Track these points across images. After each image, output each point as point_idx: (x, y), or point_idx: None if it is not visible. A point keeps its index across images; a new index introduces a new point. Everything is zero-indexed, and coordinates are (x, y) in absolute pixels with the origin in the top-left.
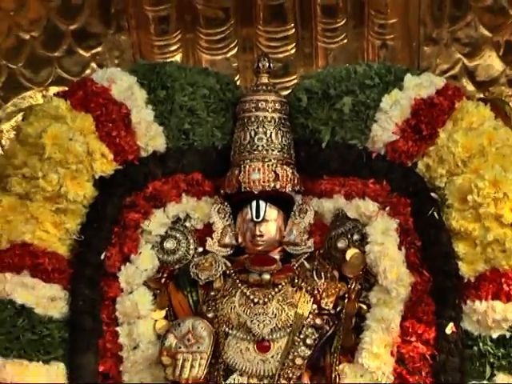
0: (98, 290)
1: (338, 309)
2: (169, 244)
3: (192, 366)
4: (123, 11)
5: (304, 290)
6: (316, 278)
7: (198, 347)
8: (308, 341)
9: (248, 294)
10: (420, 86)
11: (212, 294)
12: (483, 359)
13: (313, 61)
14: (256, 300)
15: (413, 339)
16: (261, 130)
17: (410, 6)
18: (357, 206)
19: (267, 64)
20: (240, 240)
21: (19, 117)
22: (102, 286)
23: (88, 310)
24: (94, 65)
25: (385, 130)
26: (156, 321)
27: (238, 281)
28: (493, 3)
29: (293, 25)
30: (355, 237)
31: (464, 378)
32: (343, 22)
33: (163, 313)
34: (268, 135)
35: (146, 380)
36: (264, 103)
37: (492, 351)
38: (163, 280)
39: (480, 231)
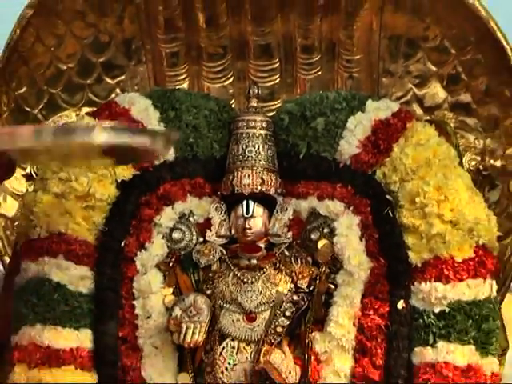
0: (118, 270)
1: (311, 288)
2: (176, 235)
3: (193, 333)
4: (142, 47)
5: (284, 272)
6: (294, 263)
7: (199, 317)
8: (287, 313)
9: (239, 275)
10: (379, 109)
11: (210, 275)
12: (427, 329)
13: (293, 89)
14: (245, 280)
15: (371, 313)
16: (250, 144)
17: (371, 45)
18: (327, 206)
19: (256, 91)
20: (233, 232)
21: None
22: (122, 268)
23: (110, 287)
24: (118, 90)
25: (350, 144)
26: (165, 296)
27: (231, 264)
28: (438, 44)
29: (277, 60)
30: (325, 230)
31: (411, 344)
32: (318, 57)
33: (171, 290)
34: (256, 148)
35: (157, 343)
36: (253, 122)
37: (434, 323)
38: (171, 263)
39: (425, 226)
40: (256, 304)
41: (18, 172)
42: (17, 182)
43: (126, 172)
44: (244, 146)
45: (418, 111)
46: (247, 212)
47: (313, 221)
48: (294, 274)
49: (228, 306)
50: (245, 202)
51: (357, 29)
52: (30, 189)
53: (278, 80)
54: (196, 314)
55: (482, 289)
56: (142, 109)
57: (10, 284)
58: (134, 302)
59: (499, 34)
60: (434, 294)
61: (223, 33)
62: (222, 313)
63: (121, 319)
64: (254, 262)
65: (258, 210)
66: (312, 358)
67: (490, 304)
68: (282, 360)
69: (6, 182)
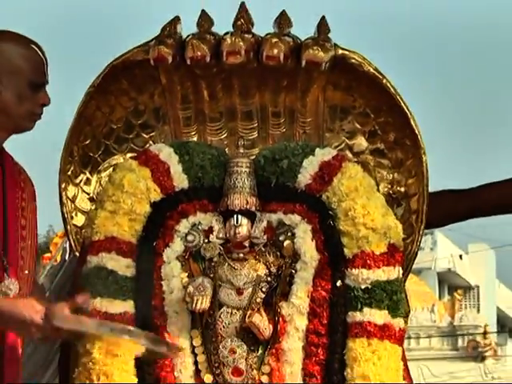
0: (151, 262)
1: (280, 272)
2: (189, 237)
3: (201, 303)
4: (166, 114)
5: (261, 262)
6: (268, 256)
7: (205, 292)
8: (263, 289)
9: (231, 264)
10: (323, 154)
11: (212, 264)
12: (356, 300)
13: (267, 141)
14: (236, 267)
15: (319, 289)
16: (239, 177)
17: (318, 111)
18: (290, 218)
19: (243, 142)
20: (228, 235)
21: (111, 169)
22: (153, 260)
23: (146, 272)
24: (150, 142)
25: (305, 177)
26: (182, 278)
27: (226, 257)
28: (362, 111)
29: (256, 121)
30: (289, 234)
31: (346, 310)
32: (283, 120)
33: (186, 274)
34: (242, 180)
35: (177, 309)
36: (241, 163)
37: (361, 295)
38: (186, 256)
39: (355, 232)
40: (243, 283)
41: (85, 196)
42: (84, 203)
43: (156, 196)
44: (234, 179)
45: (349, 155)
46: (237, 222)
47: (280, 228)
48: (268, 263)
49: (224, 284)
50: (235, 216)
51: (308, 101)
52: (93, 207)
53: (256, 135)
54: (203, 290)
55: (392, 272)
56: (167, 154)
57: (79, 271)
58: (162, 283)
59: (403, 104)
60: (361, 276)
61: (220, 103)
62: (220, 289)
63: (153, 294)
64: (242, 255)
65: (244, 221)
66: (280, 319)
67: (397, 282)
68: (261, 320)
69: (77, 203)
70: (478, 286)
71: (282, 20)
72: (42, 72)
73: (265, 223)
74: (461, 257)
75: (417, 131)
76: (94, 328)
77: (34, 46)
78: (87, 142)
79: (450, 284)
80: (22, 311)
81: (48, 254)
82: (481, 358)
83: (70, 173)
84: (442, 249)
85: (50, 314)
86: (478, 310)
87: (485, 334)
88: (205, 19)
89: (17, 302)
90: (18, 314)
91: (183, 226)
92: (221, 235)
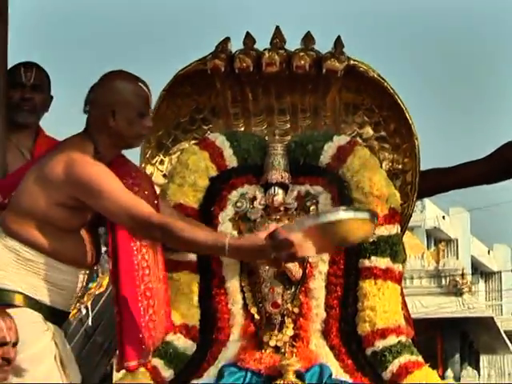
0: (210, 222)
1: None
2: (239, 204)
3: None
4: (220, 110)
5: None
6: (297, 218)
7: None
8: None
9: (270, 223)
10: (340, 140)
11: (256, 224)
12: (365, 250)
13: (296, 130)
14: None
15: (337, 259)
16: (276, 158)
17: (335, 108)
18: (314, 189)
19: (278, 132)
20: (267, 202)
21: (179, 153)
22: (211, 221)
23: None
24: (209, 132)
25: (325, 157)
26: (233, 235)
27: (266, 219)
28: (369, 107)
29: (288, 116)
30: (314, 201)
31: (358, 258)
32: (308, 115)
33: (236, 232)
34: (278, 160)
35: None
36: (276, 147)
37: (369, 247)
38: (236, 218)
39: (364, 199)
40: None
41: (159, 173)
42: (159, 178)
43: (213, 172)
44: (272, 159)
45: (360, 141)
46: (274, 192)
47: (307, 196)
48: None
49: None
50: (273, 187)
51: (328, 100)
52: (165, 181)
53: (288, 126)
54: None
55: (393, 229)
56: (221, 141)
57: None
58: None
59: (400, 102)
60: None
61: (261, 102)
62: None
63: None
64: (278, 217)
65: (280, 191)
66: (308, 265)
67: (397, 237)
68: (293, 266)
69: (153, 178)
70: (456, 239)
71: (307, 38)
72: (147, 103)
73: (295, 193)
74: (444, 217)
75: (411, 122)
76: (304, 224)
77: (140, 84)
78: (161, 133)
79: (436, 238)
80: (256, 243)
81: None
82: (459, 294)
83: (148, 156)
84: (429, 211)
85: (274, 233)
86: (457, 258)
87: (462, 275)
88: (249, 39)
89: (247, 240)
90: (254, 246)
91: (234, 195)
92: (262, 202)
